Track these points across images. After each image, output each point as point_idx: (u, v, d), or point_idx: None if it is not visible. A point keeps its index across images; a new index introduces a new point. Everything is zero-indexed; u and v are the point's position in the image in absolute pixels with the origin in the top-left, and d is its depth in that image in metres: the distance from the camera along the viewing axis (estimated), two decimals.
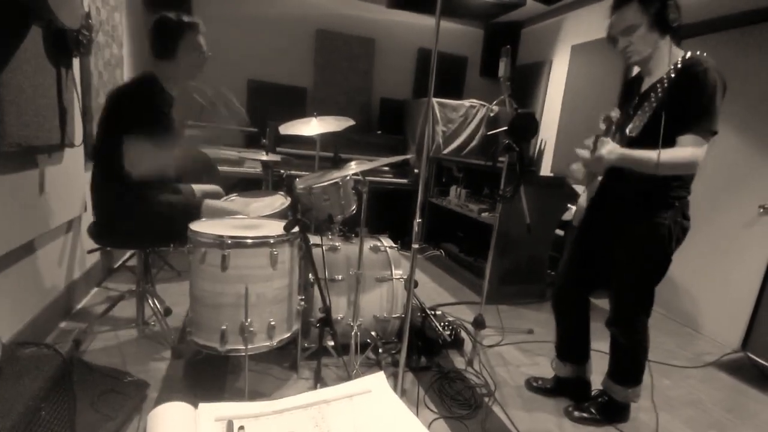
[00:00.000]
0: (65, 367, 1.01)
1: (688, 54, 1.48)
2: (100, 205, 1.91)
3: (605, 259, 1.71)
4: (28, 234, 1.80)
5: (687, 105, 1.44)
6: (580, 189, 1.81)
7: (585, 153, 1.56)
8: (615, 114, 1.41)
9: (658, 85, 1.49)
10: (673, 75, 1.47)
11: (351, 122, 2.43)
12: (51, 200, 1.97)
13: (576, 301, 1.86)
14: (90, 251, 2.50)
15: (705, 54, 1.47)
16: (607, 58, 3.63)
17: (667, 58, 1.49)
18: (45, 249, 2.00)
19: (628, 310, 1.69)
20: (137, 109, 1.78)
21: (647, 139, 1.48)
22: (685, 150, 1.43)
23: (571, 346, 1.92)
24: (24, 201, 1.75)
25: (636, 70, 1.69)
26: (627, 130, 1.56)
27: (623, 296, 1.69)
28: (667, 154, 1.42)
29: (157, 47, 1.86)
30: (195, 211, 1.92)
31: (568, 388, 1.94)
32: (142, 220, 1.86)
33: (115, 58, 2.73)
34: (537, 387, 2.00)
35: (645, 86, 1.60)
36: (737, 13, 2.72)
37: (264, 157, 2.62)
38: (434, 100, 3.89)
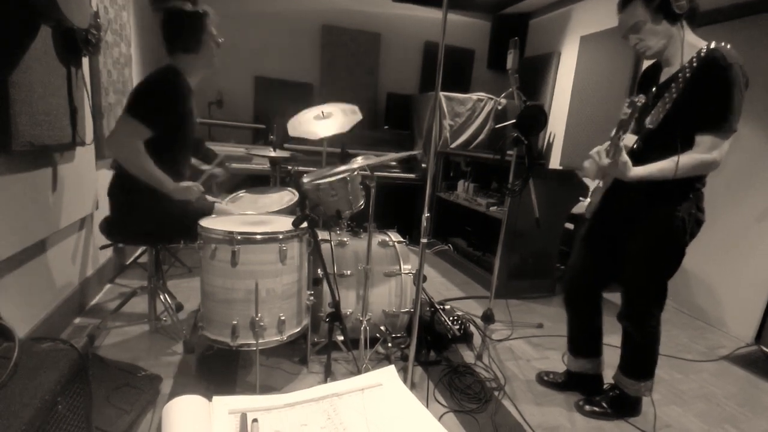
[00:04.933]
0: (81, 362, 1.02)
1: (712, 45, 1.42)
2: (114, 200, 1.94)
3: (618, 252, 1.69)
4: (42, 232, 1.83)
5: (707, 102, 1.40)
6: (591, 183, 1.78)
7: (602, 160, 1.50)
8: (640, 100, 1.36)
9: (679, 76, 1.44)
10: (695, 64, 1.41)
11: (359, 116, 2.41)
12: (63, 198, 1.99)
13: (588, 295, 1.84)
14: (102, 247, 2.53)
15: (729, 46, 1.41)
16: (616, 49, 3.57)
17: (683, 46, 1.45)
18: (58, 247, 2.03)
19: (640, 303, 1.67)
20: (163, 101, 1.79)
21: (665, 132, 1.46)
22: (704, 155, 1.42)
23: (584, 341, 1.90)
24: (37, 199, 1.78)
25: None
26: (645, 122, 1.53)
27: (635, 289, 1.68)
28: (687, 161, 1.42)
29: (179, 41, 1.83)
30: (207, 210, 1.93)
31: (579, 383, 1.93)
32: (154, 217, 1.88)
33: (124, 56, 2.75)
34: (548, 381, 2.00)
35: (664, 76, 1.56)
36: (746, 2, 2.66)
37: (272, 154, 2.62)
38: (441, 94, 3.88)
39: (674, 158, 1.43)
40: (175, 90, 1.83)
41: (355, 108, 2.41)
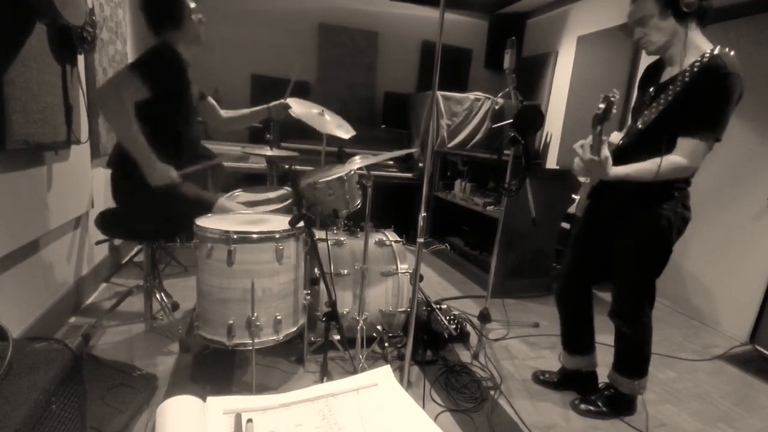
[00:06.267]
0: (75, 361, 1.01)
1: (716, 50, 1.41)
2: (116, 193, 1.94)
3: (607, 250, 1.70)
4: (37, 231, 1.82)
5: (700, 107, 1.41)
6: (581, 180, 1.79)
7: (585, 153, 1.51)
8: (615, 95, 1.36)
9: (678, 79, 1.45)
10: (696, 69, 1.41)
11: (348, 133, 2.37)
12: (58, 197, 1.98)
13: (579, 292, 1.86)
14: (98, 242, 2.52)
15: (732, 53, 1.40)
16: (613, 49, 3.58)
17: (687, 46, 1.44)
18: (53, 245, 2.02)
19: (630, 300, 1.68)
20: (164, 65, 1.81)
21: (654, 133, 1.48)
22: (679, 159, 1.44)
23: (577, 338, 1.91)
24: (32, 198, 1.77)
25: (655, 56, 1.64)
26: (637, 122, 1.54)
27: (624, 287, 1.69)
28: (664, 165, 1.43)
29: (162, 16, 1.86)
30: (207, 206, 1.93)
31: (575, 381, 1.94)
32: (155, 213, 1.87)
33: (120, 54, 2.74)
34: (544, 380, 2.00)
35: (665, 76, 1.56)
36: (750, 1, 2.67)
37: (269, 153, 2.61)
38: (439, 93, 3.88)
39: (654, 160, 1.45)
40: (174, 57, 1.85)
41: (348, 127, 2.39)
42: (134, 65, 1.78)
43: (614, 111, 1.35)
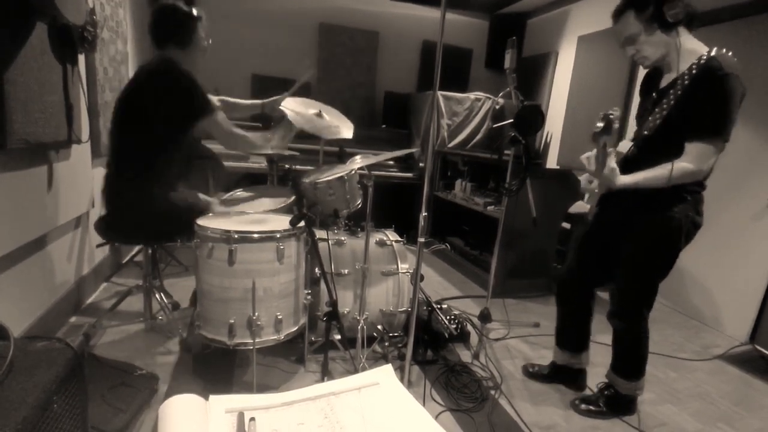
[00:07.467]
0: (77, 360, 1.01)
1: (713, 52, 1.40)
2: (111, 199, 1.93)
3: (613, 255, 1.70)
4: (38, 230, 1.82)
5: (702, 111, 1.40)
6: (587, 185, 1.78)
7: (590, 165, 1.52)
8: (614, 113, 1.36)
9: (677, 83, 1.44)
10: (695, 71, 1.41)
11: (345, 131, 2.37)
12: (59, 196, 1.98)
13: (579, 293, 1.86)
14: (99, 245, 2.52)
15: (729, 53, 1.40)
16: (614, 50, 3.58)
17: (681, 53, 1.45)
18: (54, 245, 2.02)
19: (630, 302, 1.68)
20: (178, 94, 1.84)
21: (660, 140, 1.48)
22: (687, 164, 1.44)
23: (569, 334, 1.92)
24: (32, 197, 1.77)
25: None
26: (642, 129, 1.54)
27: (627, 289, 1.69)
28: (675, 171, 1.43)
29: (172, 35, 1.87)
30: (201, 212, 1.92)
31: (564, 376, 1.95)
32: (150, 215, 1.87)
33: (120, 54, 2.74)
34: (533, 373, 2.02)
35: (665, 82, 1.55)
36: (746, 2, 2.68)
37: (269, 152, 2.61)
38: (439, 93, 3.88)
39: (664, 166, 1.45)
40: (182, 78, 1.87)
41: (348, 125, 2.38)
42: (203, 110, 1.87)
43: (616, 125, 1.34)
